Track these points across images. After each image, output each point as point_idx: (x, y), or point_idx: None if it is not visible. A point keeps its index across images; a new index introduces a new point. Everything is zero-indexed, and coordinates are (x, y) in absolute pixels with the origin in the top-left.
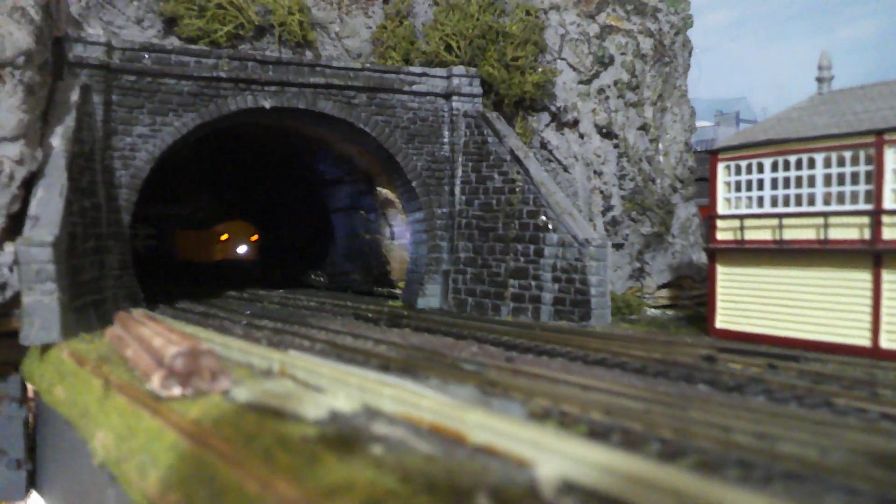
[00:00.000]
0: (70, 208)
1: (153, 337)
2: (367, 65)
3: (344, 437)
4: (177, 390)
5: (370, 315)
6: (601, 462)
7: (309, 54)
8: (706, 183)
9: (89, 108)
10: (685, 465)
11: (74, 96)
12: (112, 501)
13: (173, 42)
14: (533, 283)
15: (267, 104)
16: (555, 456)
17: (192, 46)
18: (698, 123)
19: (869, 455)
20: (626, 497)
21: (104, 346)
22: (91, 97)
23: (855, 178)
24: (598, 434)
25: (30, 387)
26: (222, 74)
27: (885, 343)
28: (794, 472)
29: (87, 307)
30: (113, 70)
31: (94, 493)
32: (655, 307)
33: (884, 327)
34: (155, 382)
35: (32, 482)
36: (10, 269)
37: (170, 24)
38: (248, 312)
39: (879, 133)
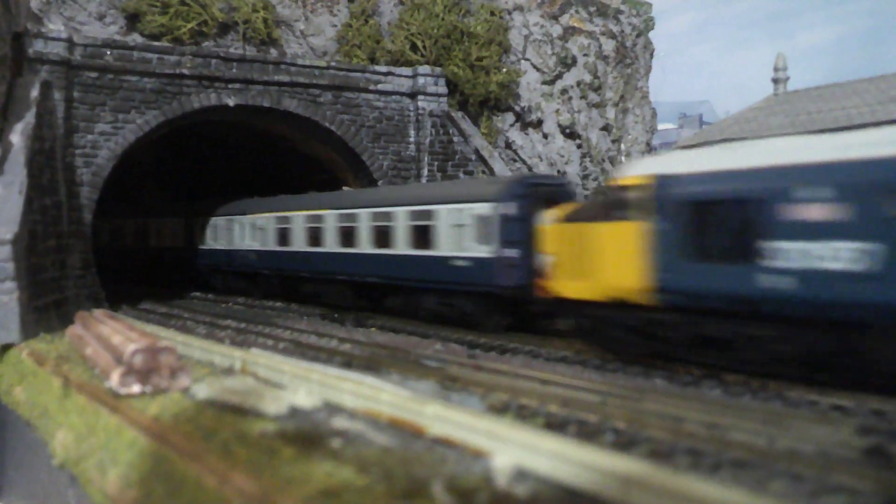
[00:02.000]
0: (30, 206)
1: (112, 335)
2: (333, 63)
3: (303, 431)
4: (136, 388)
5: (336, 315)
6: (555, 451)
7: (274, 52)
8: None
9: (50, 104)
10: (637, 454)
11: (34, 93)
12: (72, 502)
13: (136, 39)
14: None
15: (231, 102)
16: (510, 446)
17: (155, 43)
18: (662, 126)
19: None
20: (577, 483)
21: (64, 346)
22: (52, 94)
23: None
24: (554, 425)
25: None
26: (185, 71)
27: None
28: (742, 460)
29: (47, 307)
30: (74, 66)
31: (54, 494)
32: None
33: None
34: (114, 380)
35: None
36: None
37: (132, 20)
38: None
39: (832, 132)
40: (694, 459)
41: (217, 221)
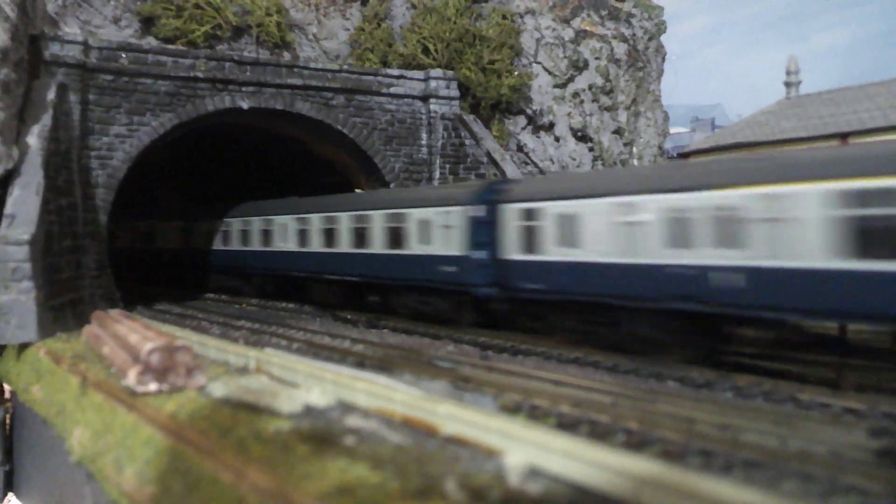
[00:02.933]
0: (46, 207)
1: (129, 334)
2: (345, 66)
3: (317, 429)
4: (153, 386)
5: (349, 316)
6: (567, 450)
7: (287, 55)
8: None
9: (66, 107)
10: (649, 454)
11: (51, 95)
12: (89, 499)
13: (150, 42)
14: None
15: (244, 105)
16: (523, 445)
17: (170, 46)
18: (675, 129)
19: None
20: (589, 482)
21: (81, 345)
22: (68, 96)
23: None
24: (566, 425)
25: (6, 387)
26: (199, 75)
27: None
28: (754, 460)
29: (63, 306)
30: (90, 69)
31: (71, 491)
32: None
33: None
34: (131, 378)
35: (10, 483)
36: None
37: (147, 23)
38: None
39: (844, 136)
40: (706, 460)
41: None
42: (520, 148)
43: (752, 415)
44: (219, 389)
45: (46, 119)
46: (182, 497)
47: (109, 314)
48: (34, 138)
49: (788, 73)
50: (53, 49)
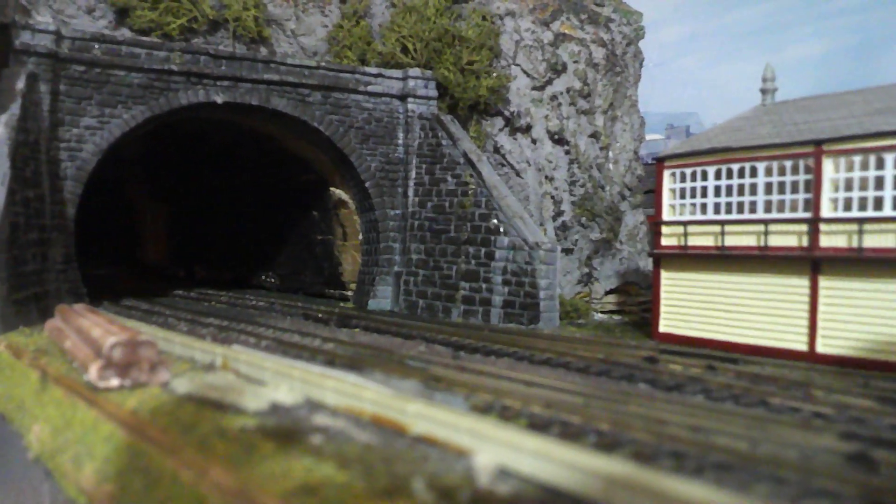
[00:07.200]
0: (12, 198)
1: (92, 328)
2: (323, 63)
3: (284, 427)
4: (115, 381)
5: (320, 315)
6: (538, 451)
7: (263, 50)
8: (654, 194)
9: (35, 97)
10: (620, 455)
11: (20, 84)
12: (47, 497)
13: (125, 33)
14: (483, 285)
15: (219, 99)
16: (493, 445)
17: (144, 38)
18: (650, 137)
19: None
20: (560, 483)
21: (43, 339)
22: (38, 86)
23: (795, 187)
24: (537, 426)
25: None
26: (174, 67)
27: (821, 348)
28: (725, 463)
29: (28, 300)
30: (61, 59)
31: (29, 489)
32: (603, 312)
33: (820, 332)
34: (92, 373)
35: None
36: None
37: (122, 14)
38: None
39: (818, 144)
40: (677, 462)
41: None
42: (496, 149)
43: (723, 417)
44: (183, 386)
45: (15, 108)
46: (141, 495)
47: (73, 308)
48: (1, 128)
49: (764, 79)
50: (24, 38)
